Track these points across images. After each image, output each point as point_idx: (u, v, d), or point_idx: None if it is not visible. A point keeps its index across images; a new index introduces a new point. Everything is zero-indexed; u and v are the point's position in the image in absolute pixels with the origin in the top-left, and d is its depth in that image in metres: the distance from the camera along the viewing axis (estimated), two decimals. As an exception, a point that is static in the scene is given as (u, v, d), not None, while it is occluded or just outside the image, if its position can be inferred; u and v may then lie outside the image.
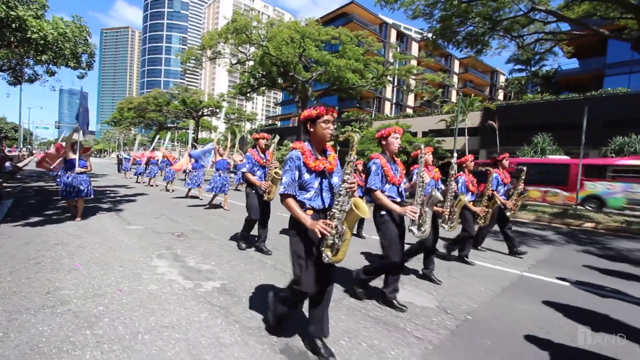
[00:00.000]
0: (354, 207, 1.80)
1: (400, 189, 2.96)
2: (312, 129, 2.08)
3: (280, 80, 20.18)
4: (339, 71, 16.95)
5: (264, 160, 4.54)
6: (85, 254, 4.00)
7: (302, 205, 2.03)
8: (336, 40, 17.48)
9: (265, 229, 4.57)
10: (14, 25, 9.85)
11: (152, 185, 13.41)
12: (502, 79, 57.94)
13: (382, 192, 2.84)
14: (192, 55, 17.14)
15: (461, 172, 4.59)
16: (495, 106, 27.25)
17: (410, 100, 53.90)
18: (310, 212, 2.02)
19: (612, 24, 14.32)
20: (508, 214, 5.00)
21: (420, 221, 3.00)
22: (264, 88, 22.09)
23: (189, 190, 10.20)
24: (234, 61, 18.63)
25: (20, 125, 34.76)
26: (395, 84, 46.07)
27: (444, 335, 2.51)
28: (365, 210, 1.80)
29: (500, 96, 52.82)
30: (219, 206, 8.58)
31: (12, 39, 10.43)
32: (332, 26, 18.42)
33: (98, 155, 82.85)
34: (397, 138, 2.90)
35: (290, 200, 1.98)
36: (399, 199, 2.92)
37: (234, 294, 3.05)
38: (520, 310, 3.08)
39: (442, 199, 3.31)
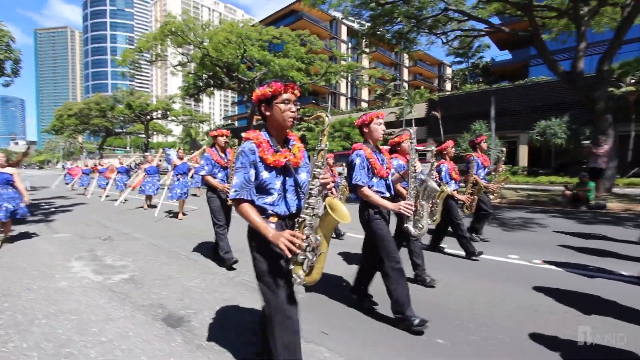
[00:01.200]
0: (329, 210, 1.43)
1: (388, 182, 2.60)
2: (268, 113, 1.62)
3: (227, 81, 20.20)
4: (282, 70, 17.36)
5: (225, 160, 4.10)
6: (1, 263, 4.16)
7: (262, 211, 1.60)
8: (278, 40, 17.86)
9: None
10: None
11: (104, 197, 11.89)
12: (448, 70, 61.27)
13: (370, 187, 2.47)
14: (129, 57, 16.70)
15: (442, 160, 4.31)
16: (437, 97, 29.21)
17: (365, 94, 55.39)
18: (274, 218, 1.61)
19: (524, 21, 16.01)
20: (492, 197, 4.85)
21: (417, 217, 2.60)
22: (212, 89, 21.94)
23: (148, 198, 9.32)
24: (174, 63, 18.39)
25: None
26: (349, 79, 47.35)
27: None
28: (345, 212, 1.47)
29: (448, 87, 55.88)
30: (153, 206, 8.77)
31: None
32: (274, 26, 18.75)
33: (40, 167, 76.53)
34: (380, 124, 2.52)
35: (246, 207, 1.54)
36: (388, 194, 2.56)
37: (138, 283, 3.45)
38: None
39: (439, 189, 3.04)
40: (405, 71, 60.28)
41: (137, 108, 28.96)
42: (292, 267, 1.50)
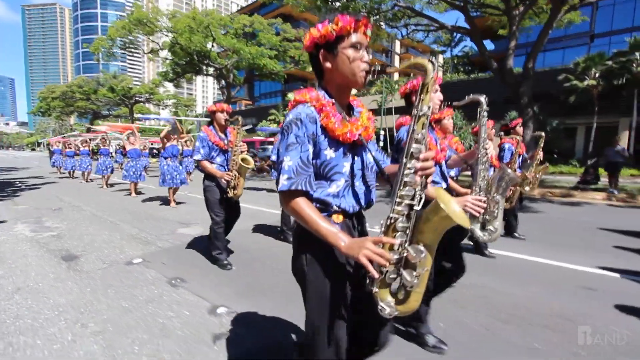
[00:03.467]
0: (440, 206, 0.93)
1: (443, 169, 2.06)
2: (328, 64, 1.12)
3: (204, 68, 20.87)
4: (253, 58, 18.09)
5: (225, 142, 3.38)
6: (-41, 224, 5.21)
7: (324, 207, 1.14)
8: (250, 28, 18.51)
9: (227, 234, 3.59)
10: None
11: (89, 181, 11.68)
12: (440, 58, 61.68)
13: None
14: (102, 45, 17.33)
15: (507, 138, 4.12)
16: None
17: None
18: (338, 217, 1.15)
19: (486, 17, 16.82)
20: (527, 188, 4.35)
21: (487, 217, 1.99)
22: (190, 75, 22.59)
23: (134, 185, 8.48)
24: (147, 50, 19.03)
25: None
26: None
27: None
28: (459, 212, 0.99)
29: (440, 75, 56.34)
30: (140, 192, 9.34)
31: None
32: (259, 14, 19.36)
33: (32, 149, 76.56)
34: (436, 91, 1.90)
35: (303, 202, 1.07)
36: (444, 184, 2.03)
37: (60, 237, 4.53)
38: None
39: (519, 180, 2.39)
40: (397, 58, 60.50)
41: (120, 92, 29.53)
42: (375, 290, 1.02)
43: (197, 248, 4.06)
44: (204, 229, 5.01)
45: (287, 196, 1.07)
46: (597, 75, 22.67)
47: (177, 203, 7.12)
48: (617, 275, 3.27)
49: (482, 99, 1.90)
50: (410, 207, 0.99)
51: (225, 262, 3.38)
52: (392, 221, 1.00)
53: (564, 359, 1.96)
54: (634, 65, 21.32)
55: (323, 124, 1.10)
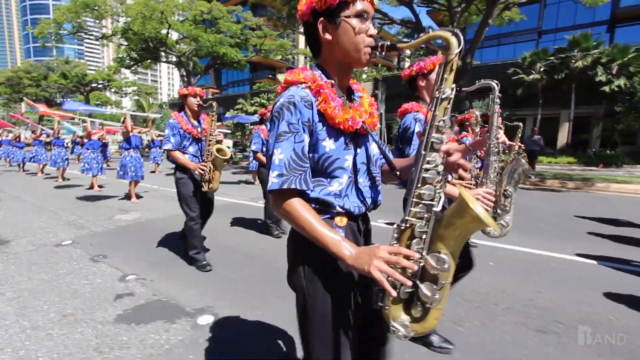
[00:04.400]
0: (469, 208, 0.77)
1: None
2: (328, 36, 0.93)
3: (162, 54, 20.34)
4: (212, 46, 17.92)
5: (198, 129, 3.10)
6: None
7: (323, 209, 0.96)
8: (208, 15, 18.24)
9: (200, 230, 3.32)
10: None
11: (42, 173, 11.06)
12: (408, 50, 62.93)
13: None
14: (47, 29, 16.40)
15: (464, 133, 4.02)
16: (381, 76, 30.69)
17: (324, 69, 55.59)
18: (342, 220, 0.97)
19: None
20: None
21: (499, 211, 1.91)
22: (149, 62, 21.92)
23: (94, 178, 7.82)
24: (99, 36, 18.27)
25: None
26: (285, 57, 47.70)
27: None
28: (485, 213, 0.78)
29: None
30: (101, 186, 9.30)
31: None
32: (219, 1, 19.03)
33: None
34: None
35: (296, 204, 0.89)
36: (449, 177, 1.84)
37: (-6, 225, 4.68)
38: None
39: (534, 171, 2.14)
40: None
41: (74, 78, 27.97)
42: (386, 307, 0.85)
43: (129, 230, 4.40)
44: (141, 215, 5.33)
45: (278, 196, 0.87)
46: (541, 69, 24.50)
47: (138, 197, 6.66)
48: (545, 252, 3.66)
49: (494, 84, 1.73)
50: (429, 208, 0.82)
51: (205, 262, 3.08)
52: (408, 225, 0.83)
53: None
54: (573, 61, 23.28)
55: (321, 109, 0.91)
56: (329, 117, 0.91)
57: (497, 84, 1.76)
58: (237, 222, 4.97)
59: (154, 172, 11.72)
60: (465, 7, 11.95)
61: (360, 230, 1.02)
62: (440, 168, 0.84)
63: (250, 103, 37.96)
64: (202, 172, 2.98)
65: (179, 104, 3.21)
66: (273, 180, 0.87)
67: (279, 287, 2.43)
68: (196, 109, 3.12)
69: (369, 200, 1.01)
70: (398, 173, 1.03)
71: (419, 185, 0.84)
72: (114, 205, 6.13)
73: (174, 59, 20.19)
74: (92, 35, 19.14)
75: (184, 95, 3.09)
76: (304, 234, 0.87)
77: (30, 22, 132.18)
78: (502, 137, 2.00)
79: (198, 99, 3.10)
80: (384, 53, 0.91)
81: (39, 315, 2.28)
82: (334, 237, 0.84)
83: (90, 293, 2.59)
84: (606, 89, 19.14)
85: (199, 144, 3.14)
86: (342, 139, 0.94)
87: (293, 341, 1.97)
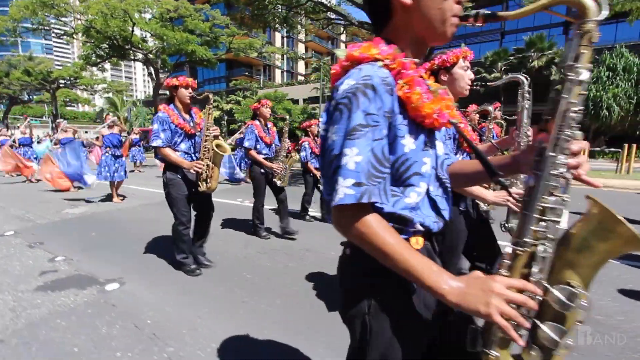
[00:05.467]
0: (621, 223, 0.59)
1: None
2: (417, 3, 0.72)
3: (129, 52, 20.16)
4: (179, 44, 17.99)
5: (191, 124, 2.85)
6: None
7: (400, 227, 0.75)
8: (174, 13, 18.27)
9: (204, 237, 3.15)
10: None
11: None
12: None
13: None
14: (4, 26, 16.00)
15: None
16: None
17: (302, 67, 55.87)
18: (418, 242, 0.78)
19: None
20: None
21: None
22: (115, 59, 21.64)
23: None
24: (61, 33, 17.97)
25: None
26: (289, 50, 47.85)
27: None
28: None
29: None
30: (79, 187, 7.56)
31: None
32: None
33: None
34: (467, 68, 1.64)
35: (374, 223, 0.68)
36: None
37: (-59, 220, 4.90)
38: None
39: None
40: (342, 45, 61.31)
41: (39, 75, 27.11)
42: (492, 354, 0.66)
43: (72, 222, 4.75)
44: (89, 209, 5.65)
45: (352, 213, 0.67)
46: (502, 69, 25.87)
47: (122, 198, 6.43)
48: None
49: (523, 78, 1.66)
50: (553, 226, 0.65)
51: (193, 266, 2.92)
52: (526, 249, 0.65)
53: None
54: (529, 61, 24.73)
55: (402, 96, 0.71)
56: (414, 108, 0.71)
57: (527, 78, 1.70)
58: (228, 223, 4.72)
59: (132, 171, 11.43)
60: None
61: (435, 251, 0.82)
62: (568, 174, 0.65)
63: (226, 101, 37.81)
64: (199, 171, 2.73)
65: (168, 97, 2.87)
66: (346, 192, 0.64)
67: (222, 280, 2.91)
68: (188, 101, 2.82)
69: (445, 213, 0.81)
70: (495, 176, 0.79)
71: (544, 196, 0.64)
72: (62, 200, 6.39)
73: (141, 56, 20.07)
74: (54, 32, 18.76)
75: (174, 86, 2.78)
76: (384, 261, 0.67)
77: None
78: (531, 134, 1.86)
79: (190, 90, 2.80)
80: (478, 24, 0.70)
81: (-31, 288, 2.66)
82: (431, 267, 0.64)
83: (19, 271, 2.99)
84: (559, 87, 20.52)
85: (192, 140, 2.85)
86: (422, 137, 0.75)
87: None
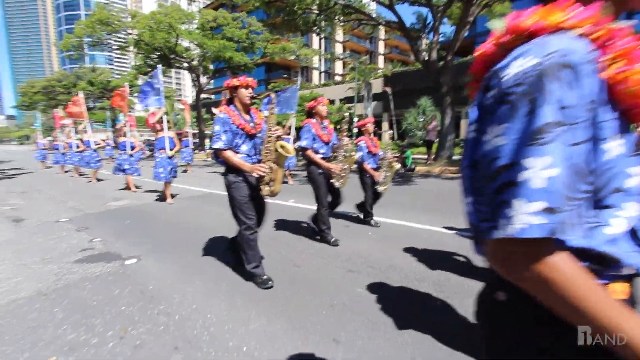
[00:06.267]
0: None
1: None
2: None
3: (175, 61, 21.95)
4: (218, 51, 19.28)
5: (251, 125, 2.74)
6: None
7: (597, 269, 0.52)
8: (214, 23, 19.59)
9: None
10: None
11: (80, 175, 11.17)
12: (425, 43, 62.22)
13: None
14: (71, 43, 18.37)
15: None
16: (390, 73, 30.82)
17: (339, 68, 56.04)
18: (624, 289, 0.55)
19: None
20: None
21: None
22: (163, 67, 23.62)
23: (129, 178, 7.93)
24: (115, 47, 20.13)
25: None
26: (323, 52, 48.62)
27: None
28: None
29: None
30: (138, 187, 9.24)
31: None
32: (212, 9, 20.37)
33: (21, 143, 76.79)
34: None
35: (567, 264, 0.47)
36: None
37: (17, 209, 6.00)
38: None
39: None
40: (381, 44, 60.40)
41: (100, 85, 30.45)
42: None
43: (114, 212, 5.58)
44: (129, 202, 6.51)
45: (533, 249, 0.47)
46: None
47: (173, 197, 6.60)
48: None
49: None
50: None
51: (265, 277, 2.71)
52: None
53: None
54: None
55: (613, 78, 0.50)
56: (629, 95, 0.50)
57: None
58: (280, 225, 4.57)
59: (185, 171, 11.58)
60: (445, 8, 12.46)
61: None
62: None
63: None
64: (262, 174, 2.53)
65: (228, 98, 2.77)
66: (531, 220, 0.46)
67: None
68: (248, 101, 2.70)
69: None
70: None
71: None
72: (110, 195, 7.39)
73: (185, 64, 21.73)
74: (110, 47, 21.06)
75: (234, 86, 2.67)
76: (576, 319, 0.48)
77: (65, 32, 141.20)
78: None
79: (250, 90, 2.71)
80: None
81: (28, 259, 3.41)
82: None
83: (65, 248, 3.72)
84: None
85: (252, 141, 2.74)
86: (630, 138, 0.54)
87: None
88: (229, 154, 2.56)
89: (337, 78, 52.78)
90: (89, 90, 31.76)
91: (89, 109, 42.17)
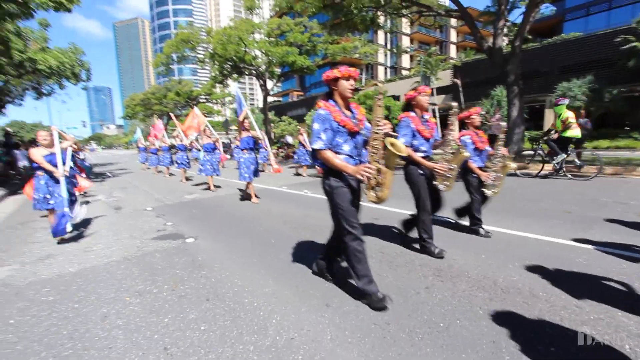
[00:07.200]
0: None
1: None
2: None
3: (244, 69, 24.06)
4: (282, 57, 20.59)
5: (354, 121, 2.37)
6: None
7: None
8: (278, 31, 20.96)
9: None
10: (27, 64, 14.41)
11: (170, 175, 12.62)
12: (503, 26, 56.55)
13: None
14: (161, 61, 21.47)
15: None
16: (460, 63, 28.75)
17: (406, 61, 54.36)
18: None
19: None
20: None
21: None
22: (235, 75, 26.05)
23: (210, 179, 8.44)
24: (195, 60, 22.91)
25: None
26: (389, 47, 47.98)
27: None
28: None
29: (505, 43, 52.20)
30: (218, 186, 12.30)
31: (22, 72, 15.01)
32: (277, 18, 21.78)
33: (126, 148, 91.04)
34: None
35: None
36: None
37: (118, 200, 7.52)
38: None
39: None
40: (453, 32, 56.79)
41: (185, 95, 34.77)
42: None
43: (187, 203, 6.67)
44: (198, 196, 7.63)
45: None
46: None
47: (257, 197, 6.65)
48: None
49: None
50: None
51: (380, 295, 2.34)
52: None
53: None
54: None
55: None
56: None
57: None
58: (378, 232, 4.04)
59: (262, 170, 11.19)
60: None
61: None
62: None
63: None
64: (368, 177, 2.16)
65: (327, 92, 2.41)
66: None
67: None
68: (350, 95, 2.34)
69: None
70: None
71: None
72: (186, 189, 8.71)
73: (253, 71, 23.64)
74: (192, 61, 24.01)
75: (334, 78, 2.32)
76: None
77: (158, 50, 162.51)
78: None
79: (352, 82, 2.32)
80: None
81: (121, 235, 4.45)
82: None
83: (146, 229, 4.73)
84: None
85: (354, 139, 2.38)
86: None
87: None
88: (329, 154, 2.24)
89: (405, 72, 51.08)
90: (176, 100, 36.28)
91: (177, 116, 47.06)
